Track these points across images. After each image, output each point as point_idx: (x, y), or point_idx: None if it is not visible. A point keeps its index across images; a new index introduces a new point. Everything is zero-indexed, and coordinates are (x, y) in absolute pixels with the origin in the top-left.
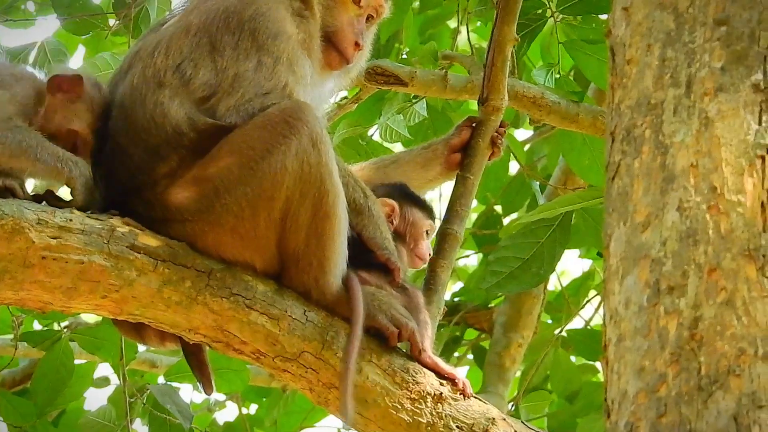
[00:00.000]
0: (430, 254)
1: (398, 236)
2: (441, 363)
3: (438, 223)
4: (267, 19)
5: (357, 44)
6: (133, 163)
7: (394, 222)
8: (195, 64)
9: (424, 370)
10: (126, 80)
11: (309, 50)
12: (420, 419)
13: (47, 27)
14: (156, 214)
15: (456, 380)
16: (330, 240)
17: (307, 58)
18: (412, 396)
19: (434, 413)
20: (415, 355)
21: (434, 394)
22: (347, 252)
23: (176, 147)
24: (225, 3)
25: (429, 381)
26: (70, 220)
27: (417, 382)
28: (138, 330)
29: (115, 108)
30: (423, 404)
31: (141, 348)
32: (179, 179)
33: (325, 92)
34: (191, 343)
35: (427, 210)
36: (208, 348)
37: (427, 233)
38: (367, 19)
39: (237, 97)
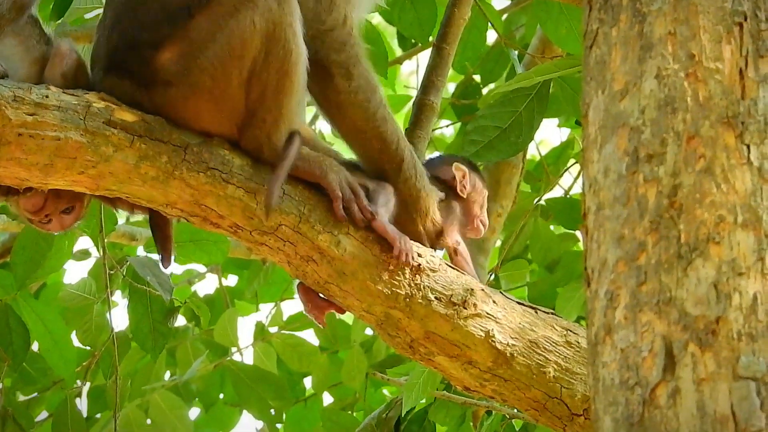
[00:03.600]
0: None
1: (462, 202)
2: (389, 230)
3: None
4: None
5: None
6: (145, 21)
7: (466, 186)
8: None
9: None
10: None
11: None
12: (398, 291)
13: None
14: (144, 76)
15: (393, 249)
16: (286, 97)
17: None
18: (390, 268)
19: (412, 285)
20: (357, 225)
21: (412, 266)
22: (302, 113)
23: (190, 8)
24: None
25: None
26: (46, 97)
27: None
28: (112, 201)
29: None
30: (401, 276)
31: (120, 221)
32: (169, 39)
33: None
34: (168, 216)
35: (485, 180)
36: (175, 222)
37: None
38: None
39: None
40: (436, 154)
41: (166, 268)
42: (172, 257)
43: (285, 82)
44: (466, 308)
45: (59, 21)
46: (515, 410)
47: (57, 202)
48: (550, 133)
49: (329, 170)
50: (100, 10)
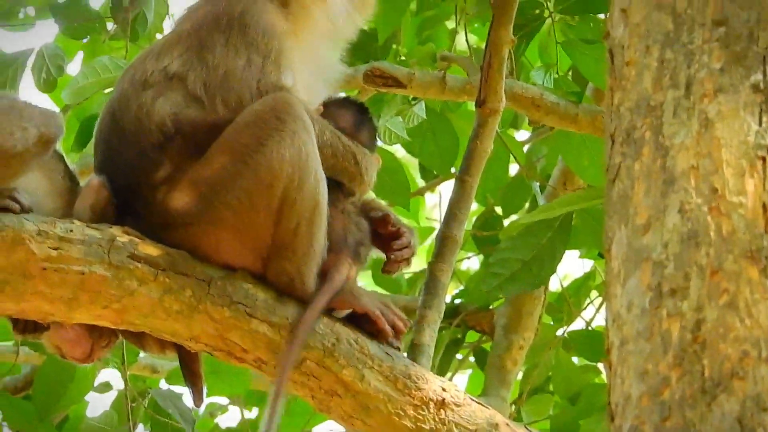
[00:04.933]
0: None
1: None
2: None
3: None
4: (256, 14)
5: None
6: (127, 165)
7: None
8: (183, 63)
9: (426, 375)
10: (118, 87)
11: (298, 30)
12: (423, 426)
13: (47, 31)
14: (157, 218)
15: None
16: (317, 227)
17: (295, 44)
18: (415, 402)
19: (437, 419)
20: (401, 333)
21: (437, 400)
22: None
23: (166, 149)
24: (214, 7)
25: (431, 387)
26: (71, 231)
27: (419, 388)
28: (138, 336)
29: (107, 115)
30: (426, 410)
31: (142, 353)
32: (177, 183)
33: (323, 61)
34: (192, 351)
35: None
36: (204, 357)
37: None
38: None
39: (228, 95)
40: None
41: (198, 406)
42: (204, 394)
43: (316, 211)
44: None
45: (82, 151)
46: None
47: (99, 341)
48: (571, 265)
49: (360, 295)
50: None
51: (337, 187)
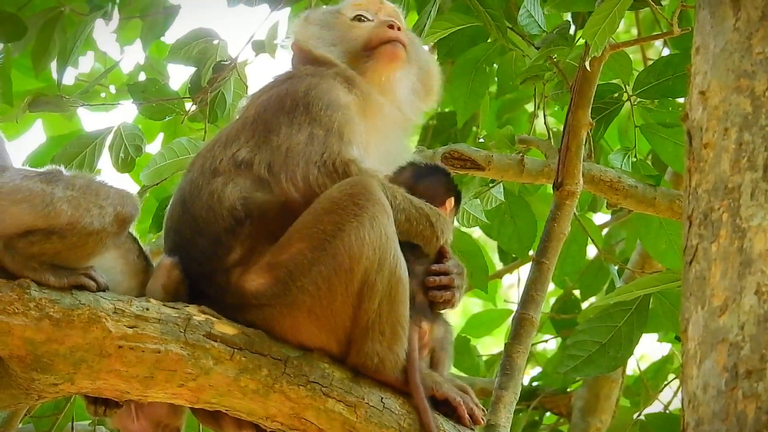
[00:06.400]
0: None
1: None
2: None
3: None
4: (320, 91)
5: (388, 26)
6: (200, 253)
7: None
8: (251, 149)
9: None
10: (187, 176)
11: (365, 111)
12: None
13: (129, 110)
14: (230, 300)
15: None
16: (402, 306)
17: (362, 121)
18: None
19: None
20: (477, 423)
21: None
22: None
23: (237, 234)
24: (277, 90)
25: None
26: (147, 309)
27: None
28: (215, 417)
29: (177, 204)
30: None
31: None
32: (252, 266)
33: (389, 138)
34: (267, 431)
35: None
36: None
37: None
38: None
39: (293, 172)
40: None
41: None
42: None
43: (399, 290)
44: None
45: (160, 233)
46: None
47: None
48: (649, 348)
49: (442, 382)
50: None
51: (407, 250)
